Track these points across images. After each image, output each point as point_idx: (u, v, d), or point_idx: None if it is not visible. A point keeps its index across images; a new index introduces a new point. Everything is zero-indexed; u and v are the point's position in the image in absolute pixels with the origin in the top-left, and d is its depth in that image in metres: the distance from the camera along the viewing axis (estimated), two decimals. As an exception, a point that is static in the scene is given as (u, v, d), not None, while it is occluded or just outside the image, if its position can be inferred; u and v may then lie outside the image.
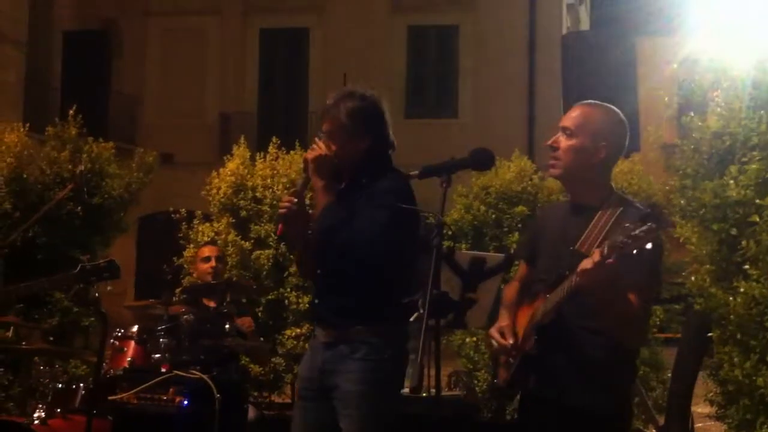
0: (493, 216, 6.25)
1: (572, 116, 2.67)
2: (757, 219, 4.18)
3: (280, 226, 3.05)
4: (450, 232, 5.87)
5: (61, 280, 3.61)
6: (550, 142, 2.68)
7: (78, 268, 3.44)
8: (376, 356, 2.98)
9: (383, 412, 3.01)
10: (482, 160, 2.82)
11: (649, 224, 2.19)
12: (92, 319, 6.30)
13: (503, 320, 2.77)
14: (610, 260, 2.25)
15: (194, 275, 5.66)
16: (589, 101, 2.74)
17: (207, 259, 5.24)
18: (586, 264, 2.30)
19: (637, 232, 2.19)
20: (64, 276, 3.55)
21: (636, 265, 2.41)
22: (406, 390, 3.06)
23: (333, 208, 3.03)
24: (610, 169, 2.70)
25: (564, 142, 2.64)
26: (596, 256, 2.27)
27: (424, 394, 3.69)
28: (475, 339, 6.08)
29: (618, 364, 2.60)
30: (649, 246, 2.21)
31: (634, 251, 2.21)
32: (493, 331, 2.75)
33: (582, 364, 2.57)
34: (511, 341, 2.66)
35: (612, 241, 2.24)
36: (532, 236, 2.89)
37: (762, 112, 4.31)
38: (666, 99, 5.21)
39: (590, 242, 2.50)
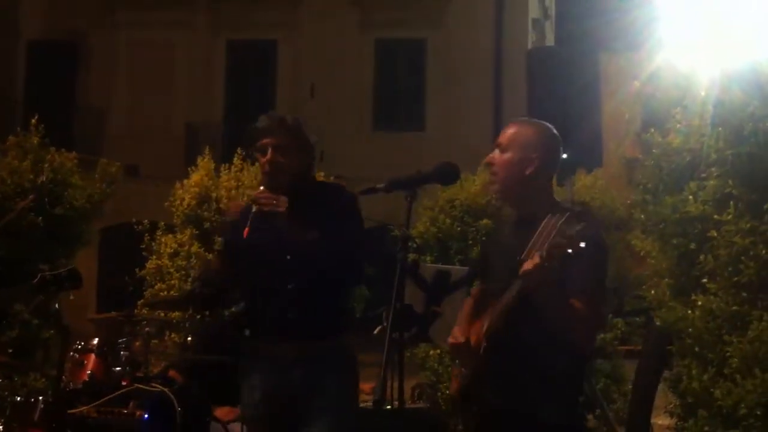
0: (458, 229, 6.28)
1: (506, 133, 2.76)
2: (715, 234, 4.23)
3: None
4: (415, 245, 5.88)
5: (22, 290, 3.53)
6: (486, 160, 2.77)
7: (38, 278, 3.34)
8: (350, 368, 3.12)
9: (354, 421, 3.13)
10: (447, 174, 2.87)
11: (582, 223, 2.30)
12: (52, 331, 6.20)
13: (457, 328, 2.82)
14: (549, 261, 2.33)
15: None
16: (523, 118, 2.85)
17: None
18: (527, 266, 2.38)
19: (572, 232, 2.30)
20: (24, 286, 3.46)
21: (578, 270, 2.47)
22: (368, 403, 3.07)
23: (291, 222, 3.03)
24: (548, 180, 2.76)
25: (498, 157, 2.74)
26: (536, 258, 2.35)
27: (387, 407, 3.69)
28: (439, 351, 6.09)
29: (572, 372, 2.65)
30: (582, 245, 2.30)
31: (570, 251, 2.29)
32: (450, 338, 2.80)
33: (538, 375, 2.60)
34: (463, 339, 2.71)
35: (550, 242, 2.33)
36: (484, 252, 2.95)
37: (720, 129, 4.38)
38: (627, 115, 5.28)
39: (536, 251, 2.55)
